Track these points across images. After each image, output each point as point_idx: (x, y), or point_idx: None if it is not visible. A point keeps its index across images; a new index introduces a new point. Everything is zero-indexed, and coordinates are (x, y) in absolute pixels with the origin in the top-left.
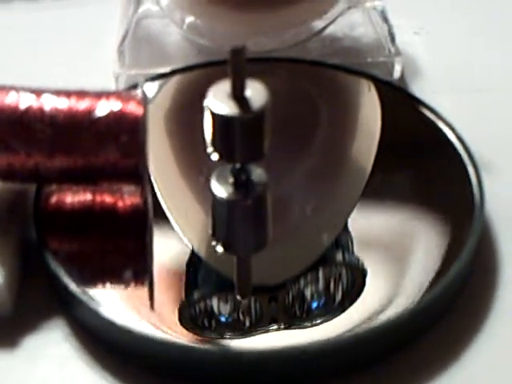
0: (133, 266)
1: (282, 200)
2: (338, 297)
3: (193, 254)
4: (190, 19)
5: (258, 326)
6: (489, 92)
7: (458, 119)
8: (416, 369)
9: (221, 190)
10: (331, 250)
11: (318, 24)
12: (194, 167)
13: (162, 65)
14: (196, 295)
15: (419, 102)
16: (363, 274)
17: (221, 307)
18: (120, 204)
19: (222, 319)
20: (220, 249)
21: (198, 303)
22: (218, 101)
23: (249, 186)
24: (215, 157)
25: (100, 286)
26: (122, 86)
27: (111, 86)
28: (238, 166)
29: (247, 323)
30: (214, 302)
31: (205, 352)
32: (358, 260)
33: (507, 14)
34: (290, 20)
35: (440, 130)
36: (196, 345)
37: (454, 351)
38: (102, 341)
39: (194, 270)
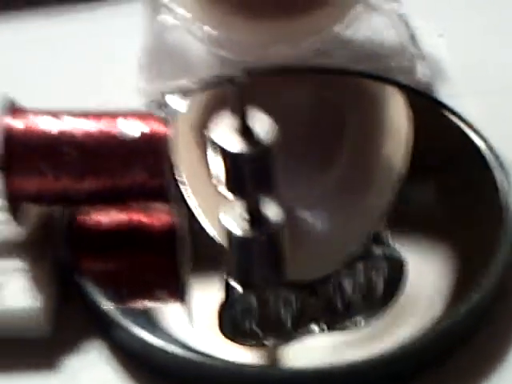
0: (167, 283)
1: (310, 206)
2: (379, 290)
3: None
4: (208, 31)
5: (299, 325)
6: None
7: (483, 122)
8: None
9: (232, 224)
10: (370, 245)
11: (338, 30)
12: None
13: (185, 77)
14: (236, 295)
15: (444, 107)
16: (403, 267)
17: (261, 305)
18: (151, 222)
19: (263, 318)
20: (239, 288)
21: (238, 303)
22: (223, 135)
23: (262, 221)
24: (226, 193)
25: (135, 306)
26: (145, 99)
27: (135, 100)
28: (250, 201)
29: (288, 323)
30: (253, 301)
31: (246, 373)
32: (398, 253)
33: None
34: (308, 27)
35: (466, 135)
36: (237, 364)
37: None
38: (140, 361)
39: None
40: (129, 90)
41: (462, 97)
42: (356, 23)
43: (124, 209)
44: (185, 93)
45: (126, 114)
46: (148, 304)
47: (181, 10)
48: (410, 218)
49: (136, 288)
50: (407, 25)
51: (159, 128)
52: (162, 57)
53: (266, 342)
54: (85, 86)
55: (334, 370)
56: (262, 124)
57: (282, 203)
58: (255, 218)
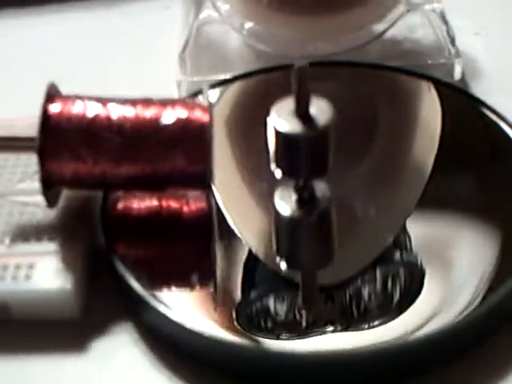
0: (198, 269)
1: (342, 201)
2: (396, 296)
3: (250, 254)
4: (249, 25)
5: (314, 326)
6: None
7: None
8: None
9: (284, 207)
10: (389, 250)
11: (377, 28)
12: (256, 173)
13: (223, 71)
14: (253, 294)
15: (481, 104)
16: (421, 273)
17: (277, 307)
18: (185, 209)
19: (278, 319)
20: (284, 265)
21: (255, 302)
22: (282, 119)
23: (313, 202)
24: (279, 174)
25: (166, 290)
26: (183, 92)
27: (173, 93)
28: (301, 182)
29: (303, 323)
30: (271, 302)
31: (267, 354)
32: (417, 259)
33: None
34: (349, 25)
35: (504, 132)
36: (258, 347)
37: None
38: (169, 344)
39: (252, 269)
40: (168, 83)
41: (497, 95)
42: (395, 22)
43: (160, 194)
44: (223, 84)
45: (169, 102)
46: (180, 288)
47: (223, 5)
48: (437, 219)
49: (168, 272)
50: (445, 22)
51: (199, 115)
52: (201, 51)
53: (280, 337)
54: (123, 79)
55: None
56: (321, 107)
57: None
58: (306, 199)
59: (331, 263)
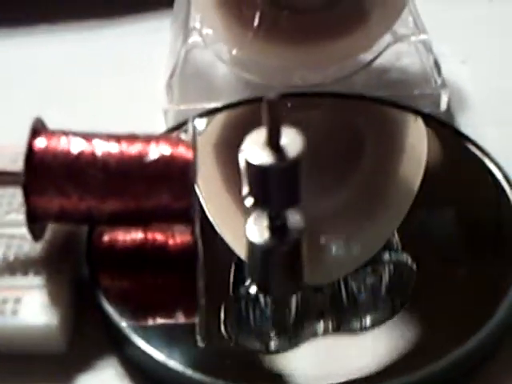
0: (182, 302)
1: (325, 227)
2: (385, 293)
3: (237, 285)
4: (235, 54)
5: (304, 321)
6: None
7: (501, 152)
8: None
9: (256, 234)
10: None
11: (364, 58)
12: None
13: (210, 99)
14: (242, 291)
15: (465, 138)
16: (411, 270)
17: (267, 301)
18: (171, 242)
19: (267, 313)
20: (254, 289)
21: (244, 299)
22: (253, 149)
23: (284, 231)
24: (250, 202)
25: (151, 323)
26: (170, 121)
27: (160, 121)
28: (273, 212)
29: (292, 319)
30: (261, 298)
31: None
32: (406, 258)
33: None
34: (335, 54)
35: (486, 167)
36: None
37: None
38: (154, 380)
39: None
40: (155, 110)
41: (482, 126)
42: (382, 52)
43: (145, 228)
44: (209, 114)
45: (153, 138)
46: (164, 323)
47: (209, 33)
48: (421, 241)
49: (153, 307)
50: (431, 53)
51: (183, 151)
52: (189, 78)
53: (270, 344)
54: (109, 107)
55: None
56: (292, 138)
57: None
58: (278, 228)
59: (300, 291)
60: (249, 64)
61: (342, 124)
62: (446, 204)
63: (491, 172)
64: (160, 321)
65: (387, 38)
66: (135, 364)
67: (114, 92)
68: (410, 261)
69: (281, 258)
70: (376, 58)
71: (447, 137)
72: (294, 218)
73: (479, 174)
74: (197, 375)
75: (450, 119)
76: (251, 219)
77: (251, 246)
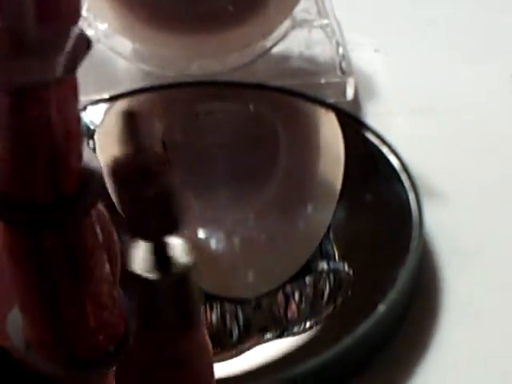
0: None
1: (254, 223)
2: (324, 300)
3: None
4: (130, 45)
5: (246, 337)
6: (446, 113)
7: (410, 142)
8: None
9: (137, 265)
10: (317, 260)
11: (264, 45)
12: None
13: (110, 90)
14: None
15: (364, 126)
16: (348, 278)
17: (207, 317)
18: None
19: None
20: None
21: None
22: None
23: (168, 264)
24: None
25: None
26: None
27: None
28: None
29: (235, 336)
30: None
31: None
32: (342, 266)
33: (468, 37)
34: (233, 43)
35: (382, 154)
36: None
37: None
38: None
39: None
40: None
41: (390, 115)
42: (287, 38)
43: None
44: (104, 103)
45: None
46: None
47: (102, 25)
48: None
49: None
50: (339, 41)
51: None
52: (85, 71)
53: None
54: None
55: None
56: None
57: (222, 224)
58: (161, 260)
59: (191, 327)
60: (146, 55)
61: (247, 115)
62: (353, 192)
63: (387, 158)
64: None
65: (286, 24)
66: None
67: None
68: (345, 268)
69: (164, 292)
70: (275, 44)
71: (349, 124)
72: (181, 251)
73: (376, 161)
74: None
75: (357, 108)
76: (134, 248)
77: (134, 279)
